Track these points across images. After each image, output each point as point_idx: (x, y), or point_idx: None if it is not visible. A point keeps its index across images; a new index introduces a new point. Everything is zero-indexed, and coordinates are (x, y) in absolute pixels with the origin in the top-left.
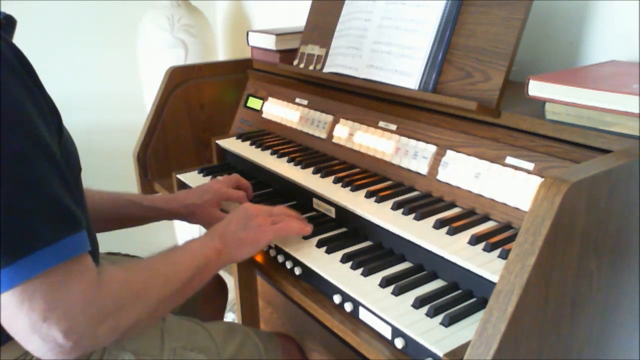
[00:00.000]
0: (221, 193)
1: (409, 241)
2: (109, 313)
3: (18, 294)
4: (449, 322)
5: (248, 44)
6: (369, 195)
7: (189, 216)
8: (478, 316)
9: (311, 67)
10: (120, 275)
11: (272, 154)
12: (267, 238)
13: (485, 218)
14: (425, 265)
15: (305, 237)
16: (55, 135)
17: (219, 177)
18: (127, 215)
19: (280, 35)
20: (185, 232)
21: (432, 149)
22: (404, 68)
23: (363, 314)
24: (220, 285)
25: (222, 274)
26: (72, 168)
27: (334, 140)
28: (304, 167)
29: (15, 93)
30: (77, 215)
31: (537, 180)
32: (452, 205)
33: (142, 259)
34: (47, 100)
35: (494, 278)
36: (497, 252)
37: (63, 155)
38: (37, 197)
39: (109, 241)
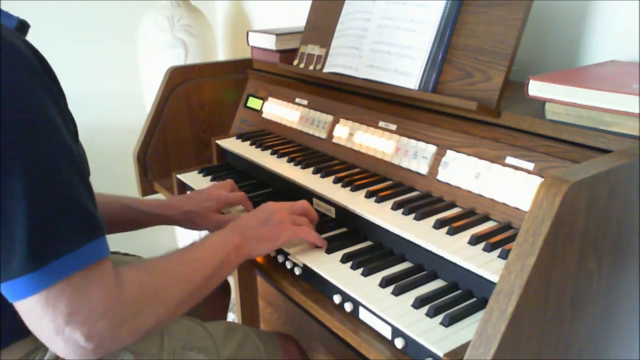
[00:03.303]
0: (221, 199)
1: (409, 241)
2: (129, 316)
3: (44, 298)
4: (449, 322)
5: (248, 44)
6: (369, 195)
7: (187, 223)
8: (478, 316)
9: (311, 67)
10: (139, 278)
11: (272, 154)
12: (287, 236)
13: (485, 218)
14: (425, 265)
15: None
16: (74, 141)
17: (216, 183)
18: (123, 220)
19: (280, 35)
20: (185, 233)
21: (432, 149)
22: (404, 68)
23: (363, 314)
24: (223, 285)
25: None
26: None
27: (334, 140)
28: (304, 167)
29: (41, 99)
30: (99, 220)
31: (537, 180)
32: (452, 205)
33: (161, 258)
34: (66, 107)
35: (494, 278)
36: (497, 252)
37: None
38: (63, 202)
39: (109, 240)
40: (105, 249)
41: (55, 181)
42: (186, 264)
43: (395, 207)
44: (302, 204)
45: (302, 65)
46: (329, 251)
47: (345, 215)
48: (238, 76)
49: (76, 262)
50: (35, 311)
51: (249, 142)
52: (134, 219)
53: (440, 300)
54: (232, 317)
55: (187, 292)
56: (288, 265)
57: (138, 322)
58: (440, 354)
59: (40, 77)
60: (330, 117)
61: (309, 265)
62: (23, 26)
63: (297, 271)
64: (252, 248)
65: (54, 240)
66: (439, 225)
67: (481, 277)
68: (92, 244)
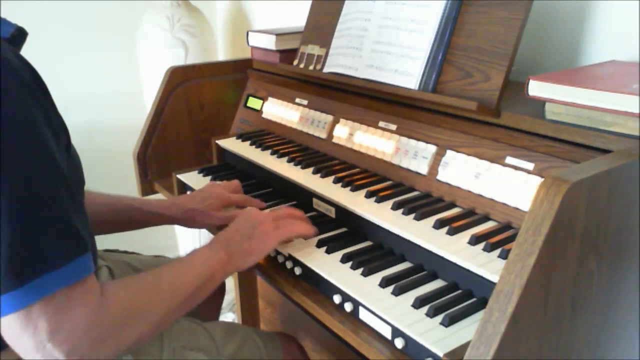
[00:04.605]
0: (223, 198)
1: (409, 241)
2: (111, 333)
3: (23, 316)
4: (449, 322)
5: (248, 44)
6: (369, 195)
7: (190, 222)
8: (478, 316)
9: (311, 67)
10: (124, 295)
11: (272, 154)
12: (271, 245)
13: (485, 218)
14: (425, 265)
15: (305, 238)
16: (64, 152)
17: (219, 182)
18: (126, 219)
19: (280, 35)
20: (185, 232)
21: (432, 149)
22: (404, 68)
23: (363, 314)
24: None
25: None
26: (77, 184)
27: (334, 140)
28: (304, 167)
29: (32, 114)
30: (84, 236)
31: (537, 180)
32: (452, 205)
33: (146, 274)
34: (58, 117)
35: (494, 278)
36: (497, 252)
37: (69, 171)
38: (47, 218)
39: (108, 238)
40: (90, 265)
41: (41, 198)
42: (172, 281)
43: (395, 207)
44: (285, 209)
45: (302, 65)
46: (329, 251)
47: (345, 215)
48: (238, 76)
49: (59, 280)
50: (15, 328)
51: (249, 142)
52: (137, 218)
53: (440, 300)
54: (232, 317)
55: (170, 309)
56: (288, 265)
57: (120, 339)
58: (440, 354)
59: (31, 91)
60: (330, 117)
61: (309, 265)
62: (21, 34)
63: (297, 271)
64: (237, 264)
65: (36, 258)
66: (439, 225)
67: (481, 277)
68: (76, 261)
